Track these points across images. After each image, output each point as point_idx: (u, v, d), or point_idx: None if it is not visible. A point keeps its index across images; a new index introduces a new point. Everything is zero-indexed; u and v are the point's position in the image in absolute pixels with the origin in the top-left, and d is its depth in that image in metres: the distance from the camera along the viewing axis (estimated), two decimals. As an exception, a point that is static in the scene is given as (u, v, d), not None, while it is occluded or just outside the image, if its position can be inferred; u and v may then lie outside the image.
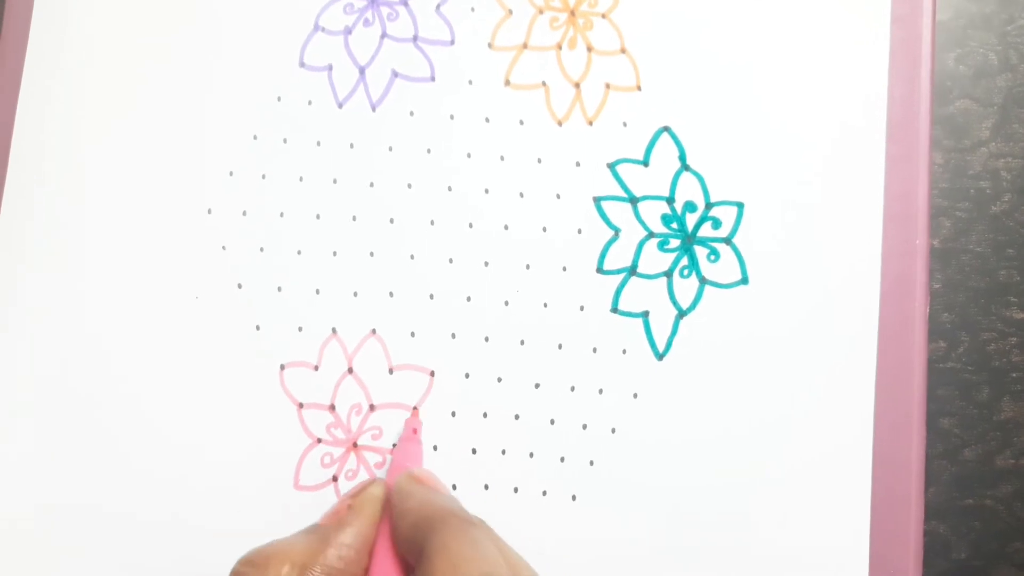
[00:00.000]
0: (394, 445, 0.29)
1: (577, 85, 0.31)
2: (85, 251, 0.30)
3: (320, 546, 0.24)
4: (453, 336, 0.30)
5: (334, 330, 0.30)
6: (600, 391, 0.29)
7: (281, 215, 0.31)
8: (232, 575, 0.24)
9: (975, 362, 0.33)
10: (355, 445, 0.29)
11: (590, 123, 0.30)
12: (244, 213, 0.31)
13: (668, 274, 0.30)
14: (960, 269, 0.34)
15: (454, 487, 0.29)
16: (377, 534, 0.25)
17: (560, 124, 0.31)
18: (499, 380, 0.29)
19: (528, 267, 0.30)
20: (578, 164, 0.30)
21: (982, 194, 0.34)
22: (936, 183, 0.34)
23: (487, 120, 0.31)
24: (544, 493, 0.29)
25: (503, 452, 0.29)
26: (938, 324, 0.33)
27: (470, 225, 0.30)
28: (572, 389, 0.29)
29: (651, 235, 0.30)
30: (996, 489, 0.33)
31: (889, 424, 0.28)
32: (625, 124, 0.30)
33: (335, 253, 0.30)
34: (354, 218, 0.30)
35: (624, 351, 0.29)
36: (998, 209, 0.34)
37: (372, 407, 0.30)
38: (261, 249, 0.30)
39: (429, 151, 0.31)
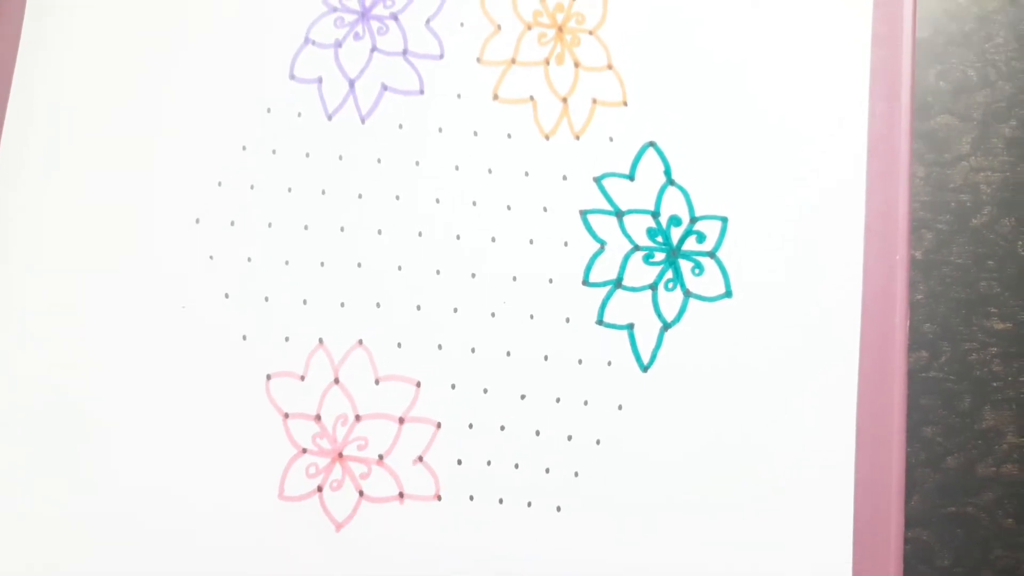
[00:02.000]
0: (380, 456, 0.29)
1: (564, 100, 0.31)
2: (72, 259, 0.30)
3: None
4: (439, 347, 0.30)
5: (321, 340, 0.30)
6: (585, 403, 0.29)
7: (269, 225, 0.31)
8: None
9: (957, 372, 0.34)
10: (340, 455, 0.29)
11: (577, 137, 0.31)
12: (232, 223, 0.31)
13: (653, 287, 0.30)
14: (942, 280, 0.34)
15: (439, 498, 0.29)
16: None
17: (547, 138, 0.31)
18: (485, 391, 0.30)
19: (514, 279, 0.30)
20: (565, 178, 0.31)
21: (963, 207, 0.34)
22: (918, 196, 0.34)
23: (475, 133, 0.31)
24: (529, 504, 0.29)
25: (488, 463, 0.29)
26: (920, 334, 0.34)
27: (457, 237, 0.30)
28: (557, 400, 0.30)
29: (636, 248, 0.30)
30: (978, 497, 0.33)
31: (871, 435, 0.29)
32: (611, 139, 0.31)
33: (322, 264, 0.30)
34: (342, 229, 0.31)
35: (609, 363, 0.30)
36: (978, 222, 0.34)
37: (358, 417, 0.30)
38: (248, 259, 0.30)
39: (417, 163, 0.31)
